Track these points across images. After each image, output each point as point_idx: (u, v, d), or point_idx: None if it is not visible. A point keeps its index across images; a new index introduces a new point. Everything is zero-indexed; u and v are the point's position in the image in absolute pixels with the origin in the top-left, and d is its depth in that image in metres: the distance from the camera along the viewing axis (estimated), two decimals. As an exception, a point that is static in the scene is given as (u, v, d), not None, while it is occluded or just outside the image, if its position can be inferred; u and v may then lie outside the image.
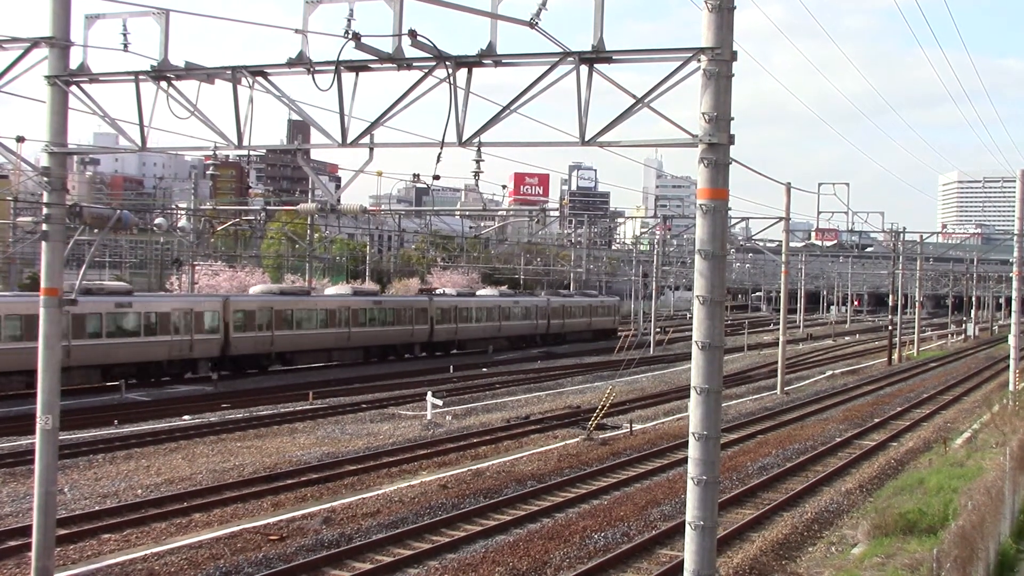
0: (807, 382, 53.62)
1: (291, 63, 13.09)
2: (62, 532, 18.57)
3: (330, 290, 62.53)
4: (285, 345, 51.56)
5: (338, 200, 15.62)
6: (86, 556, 18.35)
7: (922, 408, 42.45)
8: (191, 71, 13.80)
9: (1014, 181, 43.92)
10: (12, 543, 18.82)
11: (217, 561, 17.86)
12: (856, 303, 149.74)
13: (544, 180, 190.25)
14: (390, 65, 12.68)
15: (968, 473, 24.28)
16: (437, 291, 71.30)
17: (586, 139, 12.00)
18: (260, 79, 13.62)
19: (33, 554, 15.42)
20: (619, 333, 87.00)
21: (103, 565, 17.62)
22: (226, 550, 18.57)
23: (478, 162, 13.40)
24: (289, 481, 24.95)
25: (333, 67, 12.85)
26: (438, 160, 13.31)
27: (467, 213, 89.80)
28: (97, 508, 21.78)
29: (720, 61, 10.97)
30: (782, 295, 52.98)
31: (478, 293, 74.45)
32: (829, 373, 58.54)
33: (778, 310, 65.28)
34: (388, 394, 43.06)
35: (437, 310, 62.96)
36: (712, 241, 11.27)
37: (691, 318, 11.80)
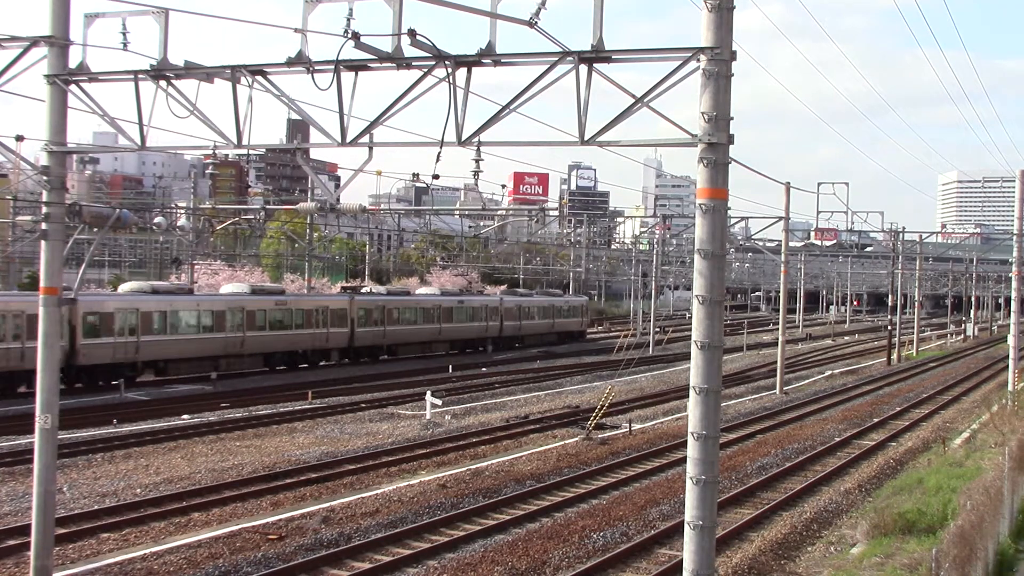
0: (806, 382, 53.62)
1: (290, 62, 13.08)
2: (61, 531, 18.56)
3: (226, 287, 55.29)
4: (154, 353, 45.04)
5: (337, 199, 15.60)
6: (85, 555, 18.34)
7: (921, 408, 42.45)
8: (190, 70, 13.80)
9: (1013, 181, 43.92)
10: (11, 542, 18.82)
11: (216, 560, 17.86)
12: (855, 303, 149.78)
13: (543, 179, 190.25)
14: (389, 64, 12.68)
15: (967, 473, 24.28)
16: (364, 289, 64.05)
17: (585, 139, 12.00)
18: (259, 78, 13.62)
19: (32, 553, 15.41)
20: (588, 335, 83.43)
21: (102, 564, 17.61)
22: (225, 549, 18.57)
23: (477, 161, 13.39)
24: (288, 480, 24.94)
25: (332, 66, 12.85)
26: (437, 159, 13.31)
27: (466, 212, 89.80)
28: (96, 507, 21.77)
29: (719, 61, 10.97)
30: (781, 295, 53.01)
31: (417, 292, 68.26)
32: (828, 373, 58.55)
33: (777, 310, 65.32)
34: (387, 394, 43.07)
35: (360, 311, 56.63)
36: (711, 241, 11.27)
37: (690, 318, 11.80)
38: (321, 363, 54.71)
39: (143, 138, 14.30)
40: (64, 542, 18.62)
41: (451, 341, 65.37)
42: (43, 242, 15.10)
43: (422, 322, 61.87)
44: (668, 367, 59.15)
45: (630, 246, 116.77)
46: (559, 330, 78.53)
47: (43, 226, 15.05)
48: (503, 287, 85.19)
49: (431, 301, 63.82)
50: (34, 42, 14.35)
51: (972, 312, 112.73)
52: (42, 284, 15.12)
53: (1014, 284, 44.49)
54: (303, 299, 55.10)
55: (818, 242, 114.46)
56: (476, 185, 14.41)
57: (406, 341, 61.28)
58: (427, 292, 67.86)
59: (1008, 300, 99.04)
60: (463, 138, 12.63)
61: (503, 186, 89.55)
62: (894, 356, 68.91)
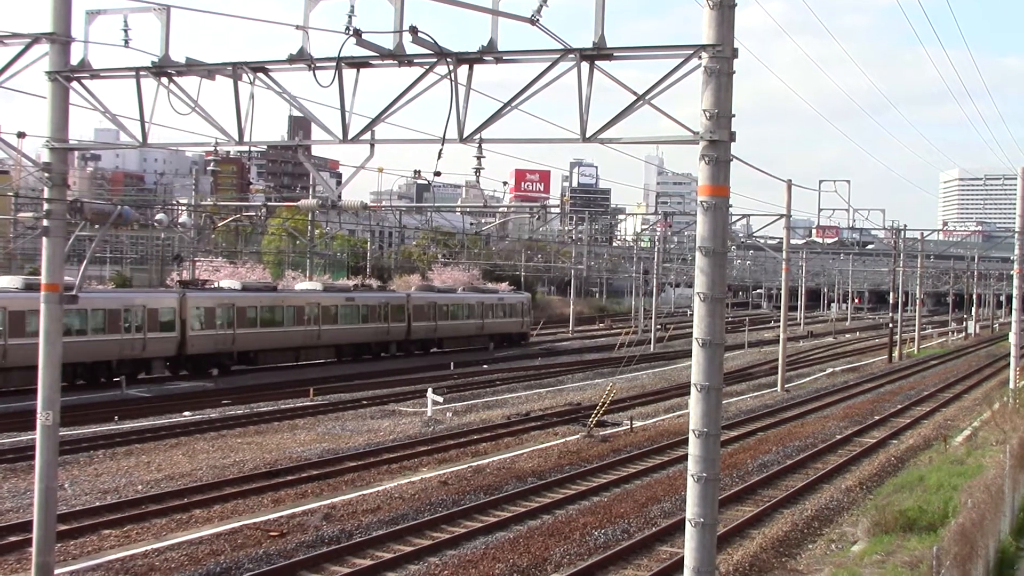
0: (807, 379, 53.63)
1: (292, 59, 13.08)
2: (63, 528, 18.58)
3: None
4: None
5: (339, 196, 15.59)
6: (87, 552, 18.37)
7: (922, 406, 42.46)
8: (192, 67, 13.80)
9: (1015, 178, 43.90)
10: (13, 539, 18.84)
11: (217, 557, 17.88)
12: (857, 301, 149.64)
13: (545, 177, 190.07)
14: (391, 61, 12.67)
15: (968, 471, 24.29)
16: (211, 284, 51.90)
17: (587, 136, 11.99)
18: (261, 75, 13.62)
19: (34, 550, 15.43)
20: (532, 337, 76.20)
21: (103, 561, 17.64)
22: (226, 546, 18.59)
23: (479, 158, 13.39)
24: (289, 477, 24.97)
25: (334, 63, 12.84)
26: (439, 156, 13.31)
27: (468, 209, 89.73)
28: (97, 504, 21.80)
29: (721, 58, 10.96)
30: (783, 292, 53.00)
31: (298, 287, 57.96)
32: (830, 370, 58.57)
33: (779, 307, 65.32)
34: (389, 391, 43.08)
35: (195, 311, 46.02)
36: (713, 238, 11.27)
37: (692, 315, 11.80)
38: (141, 376, 44.54)
39: (145, 135, 14.30)
40: (66, 539, 18.64)
41: (336, 346, 55.39)
42: (45, 239, 15.11)
43: (293, 323, 51.44)
44: (669, 364, 59.14)
45: (631, 243, 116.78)
46: (491, 332, 69.34)
47: (45, 223, 15.05)
48: (505, 284, 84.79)
49: (304, 298, 53.37)
50: (36, 39, 14.36)
51: (973, 310, 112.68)
52: (44, 281, 15.13)
53: (1015, 282, 44.48)
54: (106, 296, 44.49)
55: (820, 240, 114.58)
56: (478, 182, 14.40)
57: (267, 347, 50.32)
58: (307, 287, 57.66)
59: (1009, 298, 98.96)
60: (465, 135, 12.63)
61: (505, 183, 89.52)
62: (895, 354, 68.89)
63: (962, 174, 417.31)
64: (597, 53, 11.73)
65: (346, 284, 63.65)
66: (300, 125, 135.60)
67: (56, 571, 15.94)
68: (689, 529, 11.50)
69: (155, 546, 18.59)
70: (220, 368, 47.26)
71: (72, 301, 15.27)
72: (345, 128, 13.26)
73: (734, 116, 11.12)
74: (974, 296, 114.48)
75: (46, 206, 15.03)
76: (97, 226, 16.35)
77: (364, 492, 23.52)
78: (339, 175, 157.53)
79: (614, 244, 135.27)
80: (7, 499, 22.25)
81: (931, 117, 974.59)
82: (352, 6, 12.04)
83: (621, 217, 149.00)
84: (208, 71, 13.78)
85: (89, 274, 50.15)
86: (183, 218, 63.16)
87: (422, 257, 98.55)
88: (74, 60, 14.53)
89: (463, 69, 12.44)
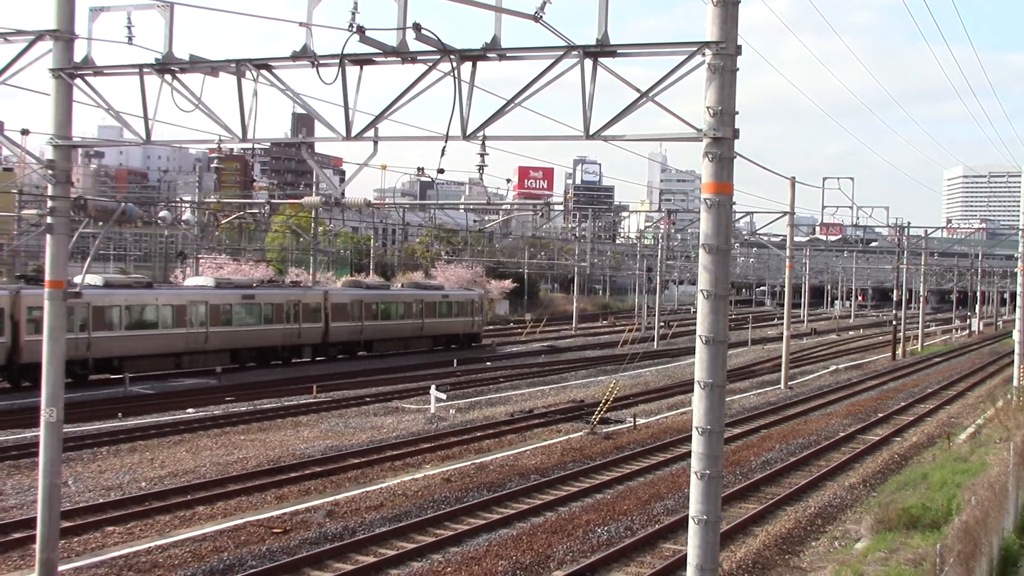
0: (811, 377, 53.62)
1: (295, 56, 13.08)
2: (66, 524, 18.58)
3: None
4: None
5: (342, 193, 15.62)
6: (90, 548, 18.39)
7: (926, 403, 42.43)
8: (195, 64, 13.80)
9: (1019, 176, 43.99)
10: (17, 535, 18.87)
11: (221, 554, 17.89)
12: (860, 298, 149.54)
13: (548, 174, 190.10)
14: (394, 59, 12.67)
15: (972, 468, 24.27)
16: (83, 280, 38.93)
17: (590, 133, 11.99)
18: (264, 72, 13.62)
19: (37, 546, 15.45)
20: (483, 338, 68.99)
21: (107, 557, 17.66)
22: (230, 543, 18.61)
23: (482, 156, 13.39)
24: (293, 474, 24.98)
25: (337, 60, 12.85)
26: (442, 154, 13.33)
27: (471, 207, 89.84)
28: (101, 501, 21.82)
29: (725, 55, 10.95)
30: (786, 290, 52.96)
31: (187, 282, 52.82)
32: (833, 368, 58.54)
33: (782, 305, 65.27)
34: (392, 388, 43.09)
35: (28, 311, 38.54)
36: (716, 235, 11.26)
37: (695, 312, 11.79)
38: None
39: (148, 132, 14.31)
40: (69, 535, 18.67)
41: (231, 351, 48.07)
42: (48, 236, 15.13)
43: (171, 325, 44.84)
44: (673, 362, 59.13)
45: (635, 240, 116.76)
46: (435, 333, 62.52)
47: (48, 220, 15.07)
48: (508, 281, 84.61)
49: (187, 296, 46.63)
50: (39, 36, 14.36)
51: (977, 307, 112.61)
52: (47, 278, 15.14)
53: (1019, 279, 44.44)
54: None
55: (823, 237, 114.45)
56: (481, 179, 14.42)
57: (132, 353, 43.23)
58: (197, 283, 51.22)
59: (1013, 295, 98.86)
60: (468, 132, 12.63)
61: (508, 180, 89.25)
62: (899, 351, 68.84)
63: (966, 171, 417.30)
64: (600, 50, 11.73)
65: (248, 280, 55.25)
66: (303, 122, 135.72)
67: (60, 568, 15.97)
68: (692, 526, 11.50)
69: (159, 543, 18.61)
70: (75, 378, 39.47)
71: (76, 297, 15.28)
72: (348, 125, 13.27)
73: (738, 113, 11.12)
74: (978, 293, 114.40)
75: (50, 203, 15.04)
76: (101, 223, 16.36)
77: (367, 489, 23.54)
78: (343, 172, 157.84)
79: (617, 241, 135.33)
80: (11, 495, 22.28)
81: (935, 114, 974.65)
82: (355, 3, 12.04)
83: (624, 214, 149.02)
84: (212, 68, 13.79)
85: (92, 272, 50.12)
86: (187, 215, 63.14)
87: (425, 254, 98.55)
88: (77, 57, 14.54)
89: (466, 66, 12.44)
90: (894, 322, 71.19)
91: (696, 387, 11.47)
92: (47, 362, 15.24)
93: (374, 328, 57.17)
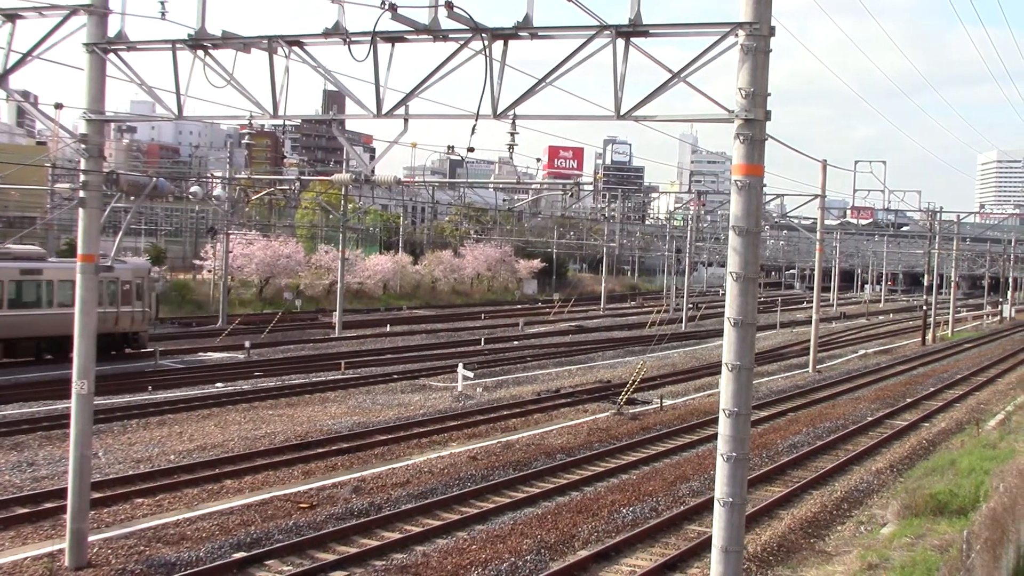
0: (839, 361, 53.35)
1: (327, 33, 13.10)
2: (96, 496, 18.81)
3: None
4: None
5: (372, 171, 15.63)
6: (119, 519, 18.58)
7: (955, 389, 42.14)
8: (228, 40, 13.85)
9: (1055, 161, 43.35)
10: (48, 505, 19.10)
11: (248, 528, 18.03)
12: (890, 282, 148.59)
13: (578, 154, 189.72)
14: (426, 36, 12.67)
15: (1000, 455, 24.12)
16: None
17: (621, 113, 11.95)
18: (296, 49, 13.66)
19: (68, 516, 15.66)
20: (148, 342, 43.73)
21: (136, 529, 17.84)
22: (257, 517, 18.75)
23: (512, 135, 13.38)
24: (320, 450, 25.13)
25: (369, 38, 12.86)
26: (473, 132, 13.32)
27: (501, 186, 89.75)
28: (131, 473, 22.03)
29: (758, 36, 10.88)
30: (816, 273, 52.69)
31: None
32: (862, 352, 58.23)
33: (811, 288, 64.94)
34: (419, 365, 43.23)
35: None
36: (746, 217, 11.22)
37: (724, 295, 11.76)
38: None
39: (180, 107, 14.38)
40: (99, 506, 18.87)
41: None
42: (81, 210, 15.25)
43: None
44: (700, 343, 58.96)
45: (664, 222, 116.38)
46: (47, 334, 38.06)
47: (81, 194, 15.19)
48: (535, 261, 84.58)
49: None
50: (73, 11, 14.45)
51: (1009, 293, 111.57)
52: (80, 251, 15.28)
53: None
54: None
55: (854, 220, 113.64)
56: (511, 158, 14.41)
57: None
58: None
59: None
60: (498, 111, 12.62)
61: (538, 160, 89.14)
62: (929, 336, 68.35)
63: (1000, 156, 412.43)
64: (633, 30, 11.68)
65: None
66: (334, 99, 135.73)
67: (89, 538, 16.18)
68: (718, 508, 11.51)
69: (186, 515, 18.79)
70: None
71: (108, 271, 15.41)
72: (379, 103, 13.28)
73: (770, 95, 11.05)
74: (1010, 279, 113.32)
75: (82, 177, 15.17)
76: (132, 198, 16.48)
77: (394, 466, 23.64)
78: (372, 150, 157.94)
79: (647, 222, 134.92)
80: (43, 466, 22.53)
81: (970, 98, 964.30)
82: (388, -20, 12.03)
83: (654, 195, 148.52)
84: (244, 44, 13.83)
85: (124, 246, 50.45)
86: (217, 191, 63.40)
87: (454, 233, 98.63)
88: (111, 32, 14.62)
89: (498, 45, 12.42)
90: (924, 307, 70.68)
91: (724, 369, 11.45)
92: (78, 335, 15.38)
93: None
